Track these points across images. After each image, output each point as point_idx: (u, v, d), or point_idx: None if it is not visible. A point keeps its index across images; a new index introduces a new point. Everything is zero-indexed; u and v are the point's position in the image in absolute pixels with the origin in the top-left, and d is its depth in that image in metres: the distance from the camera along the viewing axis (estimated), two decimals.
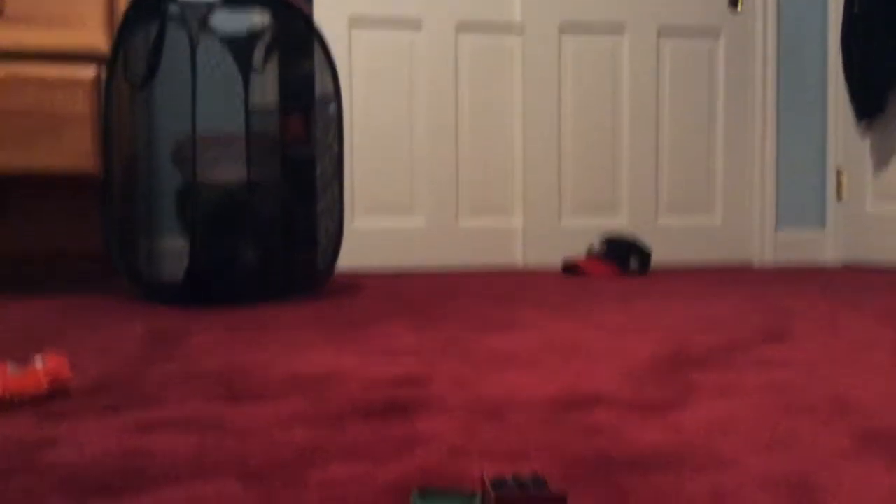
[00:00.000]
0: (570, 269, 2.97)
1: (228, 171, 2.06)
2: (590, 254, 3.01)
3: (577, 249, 3.18)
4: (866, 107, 3.24)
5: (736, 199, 3.41)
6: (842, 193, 3.42)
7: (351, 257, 3.05)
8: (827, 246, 3.47)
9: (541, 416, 0.90)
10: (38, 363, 1.01)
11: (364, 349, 1.35)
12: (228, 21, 2.25)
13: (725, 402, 0.97)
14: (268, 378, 1.12)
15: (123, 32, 2.17)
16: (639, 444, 0.80)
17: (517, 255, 3.24)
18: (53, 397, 0.99)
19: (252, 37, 2.28)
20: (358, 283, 2.62)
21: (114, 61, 2.18)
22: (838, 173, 3.43)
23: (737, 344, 1.39)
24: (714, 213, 3.41)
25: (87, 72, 2.24)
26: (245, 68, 2.05)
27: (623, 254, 2.98)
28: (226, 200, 2.10)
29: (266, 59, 2.19)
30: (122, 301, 2.13)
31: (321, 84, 2.27)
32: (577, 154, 3.26)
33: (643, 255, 3.01)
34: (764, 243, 3.41)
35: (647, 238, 3.22)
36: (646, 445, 0.79)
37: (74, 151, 2.20)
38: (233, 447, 0.79)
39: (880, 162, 3.24)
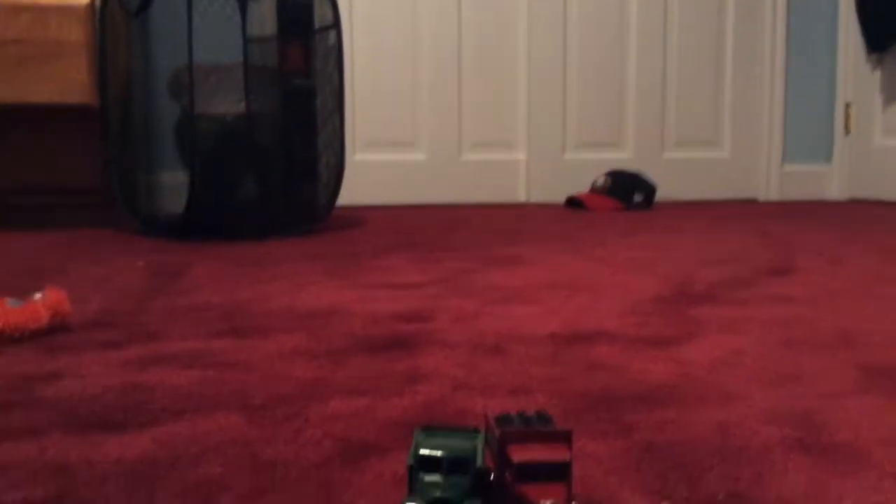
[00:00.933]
0: (574, 203, 2.94)
1: (227, 102, 2.03)
2: (594, 188, 2.98)
3: (581, 184, 3.15)
4: (878, 39, 3.17)
5: (744, 132, 3.36)
6: (850, 127, 3.37)
7: (352, 192, 3.03)
8: (833, 181, 3.44)
9: (544, 352, 0.90)
10: (38, 297, 1.00)
11: (366, 284, 1.35)
12: None
13: (730, 337, 0.96)
14: (269, 313, 1.11)
15: None
16: (643, 379, 0.79)
17: (520, 189, 3.21)
18: (54, 332, 0.98)
19: None
20: (359, 217, 2.60)
21: None
22: (847, 107, 3.37)
23: (742, 278, 1.38)
24: (721, 147, 3.36)
25: None
26: None
27: (628, 188, 2.95)
28: (225, 132, 2.07)
29: None
30: (121, 235, 2.12)
31: (320, 12, 2.21)
32: (581, 86, 3.20)
33: (648, 189, 2.98)
34: (770, 178, 3.38)
35: (652, 172, 3.18)
36: (650, 380, 0.79)
37: (70, 81, 2.16)
38: (234, 382, 0.78)
39: (890, 96, 3.18)
